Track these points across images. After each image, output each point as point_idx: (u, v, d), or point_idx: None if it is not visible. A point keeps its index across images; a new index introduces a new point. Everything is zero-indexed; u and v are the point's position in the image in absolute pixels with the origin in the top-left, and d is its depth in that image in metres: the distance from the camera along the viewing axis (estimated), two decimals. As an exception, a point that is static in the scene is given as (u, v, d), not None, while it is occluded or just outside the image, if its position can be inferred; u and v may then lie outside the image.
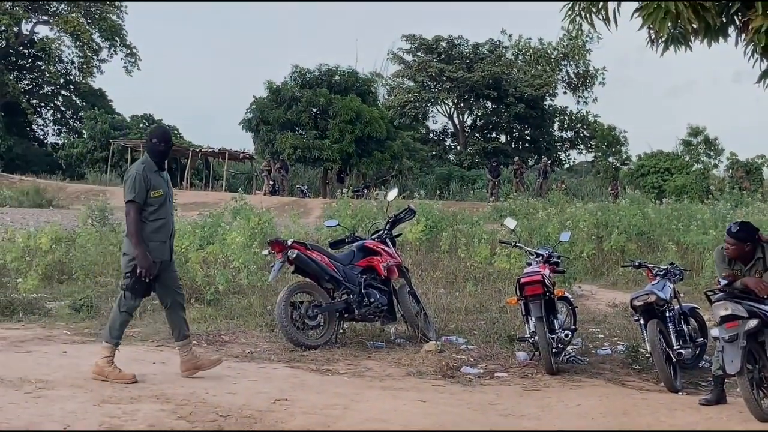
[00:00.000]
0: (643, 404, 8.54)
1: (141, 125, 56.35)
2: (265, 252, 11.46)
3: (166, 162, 9.24)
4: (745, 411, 7.93)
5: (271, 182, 44.60)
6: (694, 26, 6.67)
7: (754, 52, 7.01)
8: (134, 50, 64.18)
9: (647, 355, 9.81)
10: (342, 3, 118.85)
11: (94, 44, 62.68)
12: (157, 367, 9.09)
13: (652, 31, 7.25)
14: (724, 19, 7.02)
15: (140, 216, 8.47)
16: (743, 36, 7.06)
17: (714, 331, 8.31)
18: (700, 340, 10.47)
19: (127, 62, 64.12)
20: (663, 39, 7.21)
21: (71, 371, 8.59)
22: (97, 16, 61.87)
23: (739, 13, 6.85)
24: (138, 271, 8.39)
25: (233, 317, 12.29)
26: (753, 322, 7.97)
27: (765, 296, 8.22)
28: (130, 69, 64.19)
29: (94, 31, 62.28)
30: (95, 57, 63.49)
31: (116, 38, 63.17)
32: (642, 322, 9.79)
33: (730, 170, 44.28)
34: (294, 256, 10.63)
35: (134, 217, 8.42)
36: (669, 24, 6.61)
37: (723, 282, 8.36)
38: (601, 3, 7.32)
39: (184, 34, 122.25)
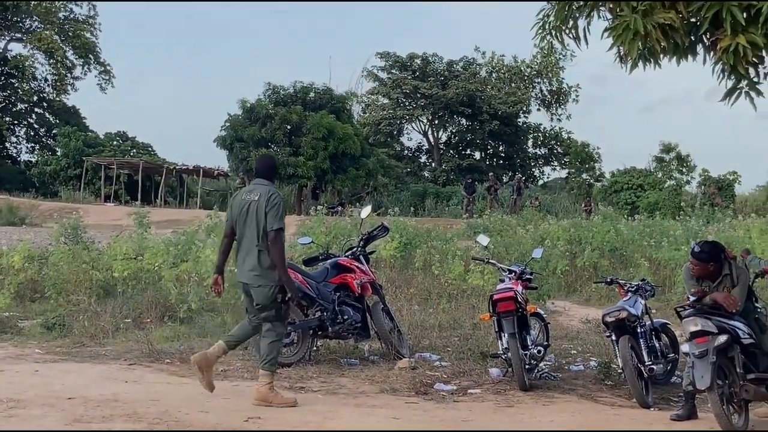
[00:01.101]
0: (615, 420, 8.58)
1: (114, 142, 56.16)
2: (239, 270, 11.42)
3: None
4: (715, 426, 7.97)
5: (246, 199, 44.44)
6: (663, 45, 6.73)
7: (723, 70, 7.08)
8: (108, 67, 64.14)
9: (619, 370, 9.85)
10: (315, 19, 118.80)
11: (67, 62, 62.57)
12: (129, 386, 9.05)
13: (621, 49, 7.32)
14: (692, 37, 7.09)
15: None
16: (711, 54, 7.13)
17: (684, 347, 8.36)
18: (671, 355, 10.53)
19: (101, 79, 64.07)
20: (632, 58, 7.29)
21: (43, 390, 8.54)
22: (71, 34, 61.71)
23: (708, 33, 6.91)
24: (287, 297, 8.49)
25: (206, 335, 12.26)
26: (722, 338, 8.03)
27: (734, 311, 8.30)
28: (104, 86, 64.17)
29: (67, 49, 62.15)
30: (69, 74, 63.39)
31: (90, 55, 63.05)
32: (614, 338, 9.83)
33: (703, 186, 44.56)
34: (267, 273, 10.61)
35: (282, 245, 8.51)
36: (639, 44, 6.67)
37: (692, 298, 8.42)
38: (571, 22, 7.38)
39: (159, 52, 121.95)
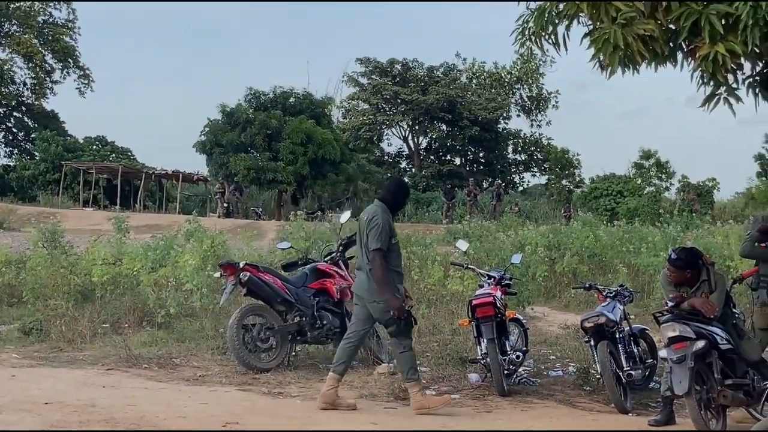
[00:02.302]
0: (593, 425, 8.61)
1: (94, 147, 55.79)
2: (217, 274, 11.40)
3: None
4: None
5: (225, 204, 44.46)
6: (640, 58, 6.76)
7: (702, 77, 7.11)
8: (87, 72, 63.68)
9: (598, 376, 9.87)
10: (295, 24, 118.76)
11: (47, 66, 62.13)
12: (106, 391, 9.00)
13: (601, 57, 7.34)
14: (671, 45, 7.12)
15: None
16: (690, 61, 7.17)
17: (663, 353, 8.39)
18: (649, 361, 10.56)
19: (81, 84, 63.60)
20: (611, 67, 7.31)
21: (20, 395, 8.49)
22: (50, 38, 61.36)
23: (687, 41, 6.95)
24: (394, 314, 8.63)
25: (185, 340, 12.24)
26: (700, 344, 8.06)
27: (712, 317, 8.33)
28: (84, 90, 63.67)
29: (47, 53, 61.73)
30: (48, 78, 62.96)
31: (69, 60, 62.65)
32: (592, 343, 9.86)
33: (682, 193, 44.75)
34: (246, 278, 10.60)
35: (381, 263, 8.69)
36: (617, 58, 6.70)
37: (671, 304, 8.45)
38: (551, 28, 7.40)
39: (138, 56, 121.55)
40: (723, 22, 6.41)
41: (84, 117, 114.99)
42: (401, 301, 8.74)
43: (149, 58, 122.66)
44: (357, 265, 9.16)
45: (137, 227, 27.60)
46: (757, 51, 6.43)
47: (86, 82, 63.63)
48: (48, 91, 63.46)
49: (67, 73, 63.27)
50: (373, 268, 8.70)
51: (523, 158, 70.55)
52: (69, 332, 12.50)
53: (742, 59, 6.69)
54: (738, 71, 6.88)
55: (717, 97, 6.93)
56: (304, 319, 10.88)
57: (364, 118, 63.17)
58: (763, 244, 10.03)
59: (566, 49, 7.43)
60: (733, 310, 9.20)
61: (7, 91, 61.14)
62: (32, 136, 60.62)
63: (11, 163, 62.65)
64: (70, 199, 50.89)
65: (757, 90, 7.34)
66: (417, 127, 65.76)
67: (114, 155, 55.90)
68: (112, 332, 12.84)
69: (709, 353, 8.19)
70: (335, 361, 8.98)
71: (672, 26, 6.87)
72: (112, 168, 50.68)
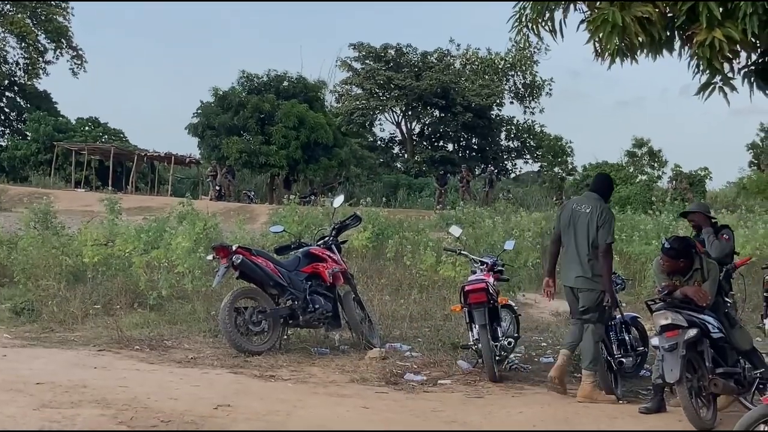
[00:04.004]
0: (584, 412, 8.62)
1: (86, 128, 55.62)
2: (210, 257, 11.40)
3: None
4: (684, 419, 8.02)
5: (217, 187, 44.39)
6: (640, 39, 6.75)
7: (698, 65, 7.11)
8: (80, 52, 63.36)
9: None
10: (289, 7, 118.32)
11: (39, 46, 61.82)
12: (98, 372, 8.99)
13: (598, 45, 7.33)
14: (668, 32, 7.12)
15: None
16: (686, 48, 7.17)
17: (654, 340, 8.41)
18: (641, 348, 10.59)
19: (73, 64, 63.28)
20: (609, 53, 7.30)
21: (11, 375, 8.46)
22: (43, 18, 61.01)
23: (684, 27, 6.95)
24: (607, 303, 9.16)
25: (176, 322, 12.23)
26: (692, 332, 8.09)
27: (704, 305, 8.35)
28: (76, 71, 63.34)
29: (39, 33, 61.40)
30: (41, 58, 62.64)
31: (62, 40, 62.32)
32: (584, 330, 9.86)
33: (674, 182, 44.83)
34: (239, 261, 10.58)
35: (611, 258, 9.40)
36: (614, 39, 6.69)
37: (663, 292, 8.46)
38: (548, 14, 7.39)
39: (132, 37, 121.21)
40: (721, 9, 6.41)
41: (76, 98, 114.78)
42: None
43: (143, 41, 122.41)
44: (564, 257, 9.50)
45: (129, 209, 27.56)
46: (755, 39, 6.44)
47: (79, 62, 63.34)
48: (41, 71, 63.18)
49: (60, 53, 62.98)
50: (604, 260, 9.11)
51: (516, 145, 70.54)
52: (60, 313, 12.49)
53: (738, 47, 6.70)
54: (734, 59, 6.89)
55: (712, 86, 6.95)
56: (296, 302, 10.87)
57: (357, 102, 63.11)
58: (725, 236, 10.13)
59: (562, 36, 7.43)
60: (725, 298, 9.23)
61: (-1, 71, 60.88)
62: (24, 116, 60.37)
63: (3, 144, 62.41)
64: (62, 180, 50.74)
65: (752, 79, 7.36)
66: (410, 113, 65.71)
67: (106, 136, 55.77)
68: (103, 313, 12.82)
69: (701, 342, 8.22)
70: (565, 340, 9.74)
71: (669, 13, 6.87)
72: (104, 149, 50.56)
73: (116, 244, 15.81)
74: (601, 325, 9.29)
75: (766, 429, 6.28)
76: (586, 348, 9.21)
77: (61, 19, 61.96)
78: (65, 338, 11.18)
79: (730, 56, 6.73)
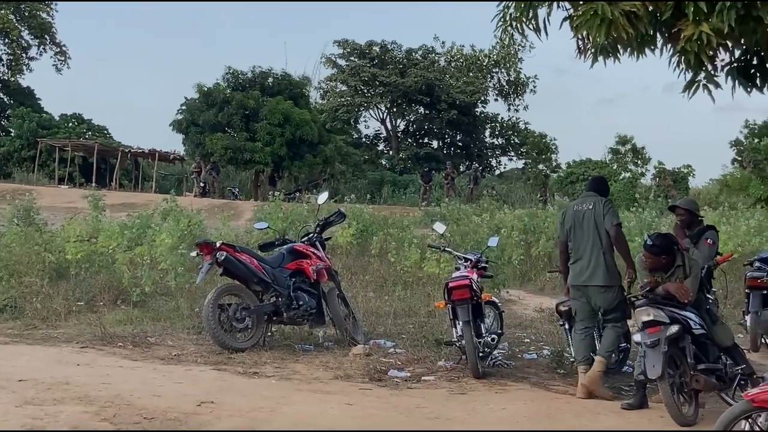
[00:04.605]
0: (567, 408, 8.65)
1: (70, 124, 55.40)
2: (194, 254, 11.38)
3: None
4: (666, 415, 8.08)
5: (202, 184, 44.29)
6: (626, 35, 6.78)
7: (679, 63, 7.15)
8: (64, 48, 63.07)
9: (572, 359, 9.94)
10: (272, 3, 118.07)
11: (23, 42, 61.51)
12: (81, 369, 8.97)
13: (580, 42, 7.36)
14: (651, 31, 7.16)
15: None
16: (669, 46, 7.21)
17: (636, 337, 8.46)
18: (623, 345, 10.60)
19: (57, 60, 63.00)
20: (592, 50, 7.34)
21: (-7, 372, 8.45)
22: (26, 14, 60.69)
23: (668, 23, 6.99)
24: (630, 278, 9.30)
25: (160, 319, 12.21)
26: (674, 328, 8.14)
27: (686, 302, 8.39)
28: (60, 67, 63.08)
29: (23, 29, 61.10)
30: (24, 54, 62.31)
31: (46, 36, 62.02)
32: (567, 326, 9.92)
33: (657, 179, 44.99)
34: (223, 258, 10.57)
35: (624, 236, 9.63)
36: (603, 31, 6.71)
37: (645, 288, 8.50)
38: (532, 12, 7.41)
39: (116, 34, 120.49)
40: (706, 4, 6.45)
41: (60, 94, 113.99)
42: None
43: (127, 37, 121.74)
44: (573, 258, 9.52)
45: (113, 205, 27.46)
46: (734, 32, 6.47)
47: (63, 59, 63.03)
48: (24, 67, 62.82)
49: (44, 49, 62.63)
50: (618, 241, 9.29)
51: (501, 142, 70.56)
52: (43, 310, 12.45)
53: (726, 41, 6.75)
54: (721, 52, 6.95)
55: (697, 83, 6.99)
56: (280, 299, 10.87)
57: (342, 99, 62.95)
58: (710, 241, 10.27)
59: (546, 34, 7.47)
60: (707, 295, 9.29)
61: (-18, 66, 60.59)
62: (8, 112, 60.07)
63: (-14, 140, 62.12)
64: (46, 176, 50.47)
65: (735, 77, 7.40)
66: (395, 110, 65.63)
67: (90, 133, 55.54)
68: (86, 310, 12.80)
69: (683, 338, 8.28)
70: (583, 357, 9.39)
71: (654, 10, 6.91)
72: (88, 146, 50.35)
73: (99, 241, 15.80)
74: (625, 321, 9.45)
75: (747, 425, 6.32)
76: (607, 340, 9.35)
77: (44, 15, 61.66)
78: (48, 335, 11.15)
79: (719, 50, 6.79)
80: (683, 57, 6.89)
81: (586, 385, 9.03)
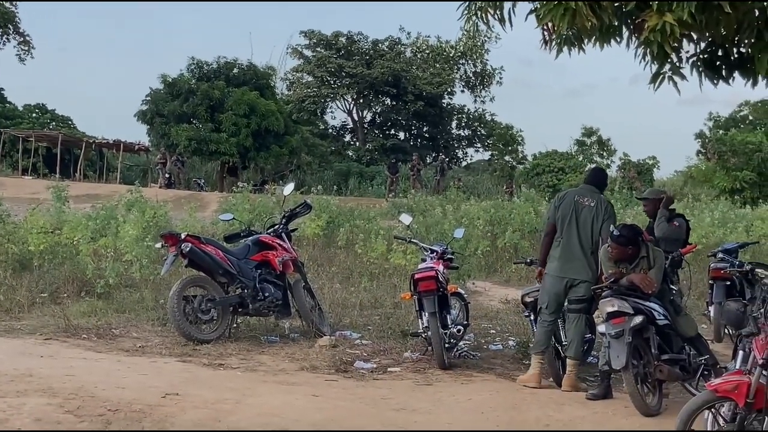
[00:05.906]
0: (532, 399, 8.68)
1: (33, 115, 54.98)
2: (159, 245, 11.30)
3: None
4: (630, 405, 8.14)
5: (167, 175, 44.09)
6: (589, 25, 6.79)
7: (645, 54, 7.17)
8: (27, 38, 62.41)
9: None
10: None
11: (-15, 31, 60.87)
12: (44, 361, 8.89)
13: (545, 33, 7.38)
14: (616, 23, 7.19)
15: None
16: (635, 37, 7.23)
17: (601, 327, 8.52)
18: (588, 336, 10.65)
19: (20, 50, 62.28)
20: (557, 41, 7.36)
21: (-45, 365, 8.35)
22: (-11, 4, 60.05)
23: (632, 14, 7.02)
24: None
25: (124, 311, 12.12)
26: (638, 319, 8.19)
27: (650, 293, 8.45)
28: (23, 57, 62.35)
29: (-15, 19, 60.45)
30: (-13, 45, 61.67)
31: (9, 26, 61.38)
32: (532, 317, 9.95)
33: (622, 170, 45.30)
34: (188, 249, 10.51)
35: None
36: (567, 21, 6.72)
37: (610, 279, 8.55)
38: (497, 3, 7.41)
39: (80, 25, 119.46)
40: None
41: (23, 84, 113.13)
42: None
43: (91, 27, 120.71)
44: (559, 248, 9.42)
45: (77, 196, 27.22)
46: (697, 22, 6.50)
47: (26, 48, 62.22)
48: (-13, 57, 62.28)
49: (7, 39, 61.96)
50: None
51: (467, 134, 70.82)
52: (6, 301, 12.31)
53: (690, 32, 6.79)
54: (686, 44, 6.99)
55: (662, 75, 7.02)
56: (245, 291, 10.83)
57: (308, 90, 62.90)
58: (676, 223, 10.47)
59: (511, 26, 7.47)
60: (671, 286, 9.35)
61: (-56, 56, 59.93)
62: (-30, 103, 59.45)
63: (-51, 130, 61.41)
64: (9, 167, 50.08)
65: (700, 69, 7.45)
66: (361, 101, 65.68)
67: (54, 123, 55.18)
68: (50, 302, 12.68)
69: (647, 328, 8.33)
70: (542, 347, 9.41)
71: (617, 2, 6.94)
72: (51, 136, 49.96)
73: (63, 232, 15.65)
74: (587, 317, 9.45)
75: (710, 415, 6.38)
76: (574, 337, 9.30)
77: (7, 4, 60.98)
78: (11, 327, 11.03)
79: (683, 41, 6.83)
80: (648, 48, 6.91)
81: (567, 390, 9.10)
